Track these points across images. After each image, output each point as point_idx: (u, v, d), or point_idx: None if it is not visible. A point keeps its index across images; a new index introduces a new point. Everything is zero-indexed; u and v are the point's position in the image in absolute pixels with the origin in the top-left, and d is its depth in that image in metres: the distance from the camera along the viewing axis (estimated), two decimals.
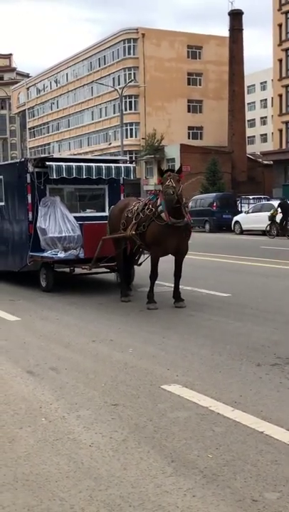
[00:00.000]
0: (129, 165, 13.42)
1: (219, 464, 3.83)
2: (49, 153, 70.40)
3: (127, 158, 17.18)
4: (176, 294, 9.71)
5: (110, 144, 67.00)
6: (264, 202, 35.26)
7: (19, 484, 3.63)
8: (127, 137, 61.45)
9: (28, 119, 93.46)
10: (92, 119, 74.78)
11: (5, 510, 3.32)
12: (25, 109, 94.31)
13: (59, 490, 3.55)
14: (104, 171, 12.24)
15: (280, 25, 52.43)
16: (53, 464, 3.90)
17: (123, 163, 13.43)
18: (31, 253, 11.71)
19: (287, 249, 21.43)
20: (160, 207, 9.43)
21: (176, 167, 45.99)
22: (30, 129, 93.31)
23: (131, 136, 65.61)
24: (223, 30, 62.55)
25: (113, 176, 12.50)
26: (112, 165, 12.67)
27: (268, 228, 28.25)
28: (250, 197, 44.66)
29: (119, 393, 5.30)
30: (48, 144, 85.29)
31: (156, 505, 3.34)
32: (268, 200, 37.96)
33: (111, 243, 10.73)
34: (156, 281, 9.86)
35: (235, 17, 62.10)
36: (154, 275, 9.70)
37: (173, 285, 9.79)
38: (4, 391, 5.48)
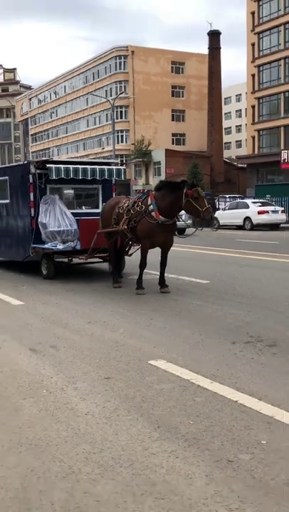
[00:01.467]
0: (120, 167, 13.36)
1: (199, 430, 3.84)
2: (49, 156, 70.05)
3: (118, 161, 17.02)
4: (162, 281, 9.71)
5: (103, 148, 66.71)
6: (239, 200, 35.30)
7: (23, 448, 3.63)
8: (118, 143, 61.23)
9: (31, 126, 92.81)
10: (88, 127, 74.44)
11: (11, 471, 3.32)
12: (27, 118, 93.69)
13: (59, 453, 3.55)
14: (98, 172, 12.19)
15: (253, 45, 52.31)
16: (53, 430, 3.90)
17: (115, 165, 13.37)
18: (33, 245, 11.69)
19: (259, 241, 21.50)
20: (151, 206, 9.43)
21: (163, 170, 46.01)
22: (32, 135, 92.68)
23: (122, 141, 65.37)
24: (203, 48, 62.28)
25: (106, 177, 12.45)
26: (105, 167, 12.59)
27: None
28: (227, 196, 44.75)
29: (112, 368, 5.31)
30: (48, 148, 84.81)
31: (143, 466, 3.35)
32: (242, 198, 38.03)
33: (103, 236, 10.72)
34: (145, 270, 9.85)
35: (214, 37, 61.94)
36: (143, 264, 9.70)
37: (159, 273, 9.80)
38: (10, 366, 5.47)
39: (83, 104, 74.65)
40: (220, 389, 4.61)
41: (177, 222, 9.96)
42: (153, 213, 9.37)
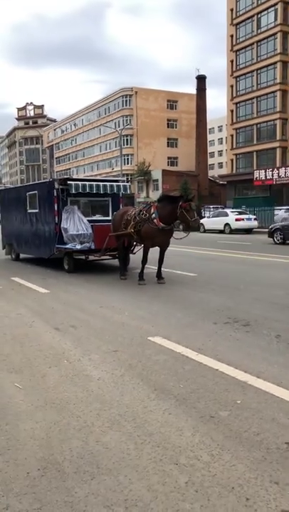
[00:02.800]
0: (126, 184, 13.26)
1: (188, 392, 3.84)
2: (70, 175, 69.83)
3: (125, 178, 16.84)
4: (159, 274, 9.69)
5: (113, 169, 66.46)
6: (220, 210, 35.18)
7: (48, 406, 3.63)
8: (125, 164, 61.01)
9: (55, 151, 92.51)
10: (100, 151, 74.19)
11: (38, 425, 3.32)
12: (53, 144, 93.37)
13: (76, 410, 3.55)
14: (108, 187, 12.19)
15: (232, 86, 52.04)
16: (72, 392, 3.90)
17: (122, 182, 13.27)
18: (57, 245, 11.68)
19: (236, 242, 21.42)
20: (154, 214, 9.45)
21: (160, 186, 45.75)
22: (56, 158, 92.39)
23: (128, 163, 65.14)
24: (192, 89, 61.94)
25: (115, 191, 12.43)
26: (114, 183, 12.57)
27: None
28: (211, 207, 44.63)
29: (118, 343, 5.29)
30: (69, 169, 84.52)
31: (143, 420, 3.34)
32: (223, 208, 37.91)
33: (113, 238, 10.75)
34: (146, 265, 9.83)
35: (201, 80, 61.64)
36: (144, 261, 9.69)
37: (157, 268, 9.77)
38: (38, 341, 5.46)
39: (97, 134, 74.43)
40: (204, 359, 4.60)
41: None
42: (155, 220, 9.38)
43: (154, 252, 9.90)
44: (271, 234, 20.58)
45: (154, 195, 56.10)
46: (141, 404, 3.60)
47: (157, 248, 9.85)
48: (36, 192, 13.03)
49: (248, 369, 4.28)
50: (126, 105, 66.52)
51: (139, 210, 10.10)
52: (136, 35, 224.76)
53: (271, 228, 21.01)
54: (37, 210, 12.95)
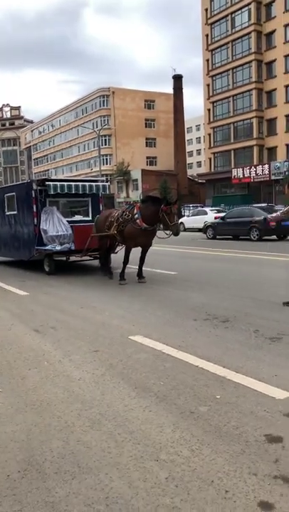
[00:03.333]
0: (105, 183, 13.18)
1: (168, 388, 3.86)
2: (48, 176, 69.35)
3: (104, 178, 16.70)
4: (140, 273, 9.70)
5: (92, 169, 66.24)
6: (199, 208, 35.42)
7: (28, 408, 3.62)
8: (103, 164, 60.86)
9: (33, 152, 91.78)
10: (79, 152, 73.89)
11: (18, 427, 3.30)
12: (30, 146, 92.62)
13: (57, 411, 3.54)
14: (87, 187, 12.08)
15: (208, 85, 52.37)
16: (53, 393, 3.89)
17: (101, 182, 13.17)
18: (37, 247, 11.55)
19: (214, 240, 21.60)
20: (136, 215, 9.43)
21: (140, 186, 45.64)
22: (34, 159, 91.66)
23: (106, 163, 65.01)
24: (169, 89, 62.15)
25: (94, 191, 12.33)
26: (93, 183, 12.46)
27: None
28: (190, 205, 44.84)
29: (99, 343, 5.29)
30: (48, 170, 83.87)
31: (124, 418, 3.36)
32: (202, 207, 38.17)
33: (95, 239, 10.74)
34: (127, 265, 9.82)
35: (177, 79, 61.90)
36: (126, 261, 9.70)
37: (138, 267, 9.79)
38: (18, 344, 5.43)
39: (75, 134, 74.08)
40: (184, 356, 4.64)
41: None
42: (138, 221, 9.35)
43: (135, 251, 9.90)
44: (205, 230, 23.71)
45: (134, 195, 56.24)
46: (122, 403, 3.61)
47: (139, 248, 9.85)
48: (14, 193, 12.86)
49: (227, 364, 4.33)
50: (103, 105, 66.42)
51: (122, 211, 10.09)
52: (112, 35, 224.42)
53: (204, 225, 24.26)
54: (15, 212, 12.80)
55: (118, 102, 65.82)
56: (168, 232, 9.41)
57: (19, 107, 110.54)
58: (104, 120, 64.61)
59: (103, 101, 66.57)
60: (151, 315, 6.61)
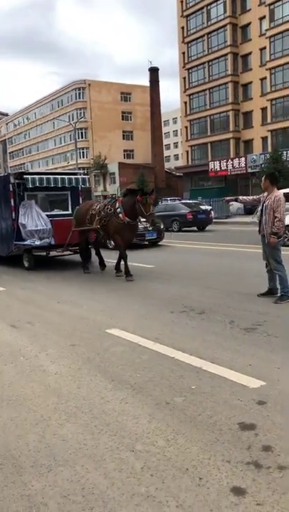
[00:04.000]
0: (85, 176, 12.89)
1: (144, 380, 3.91)
2: (25, 170, 68.45)
3: (83, 172, 16.40)
4: (118, 267, 9.67)
5: (68, 162, 65.66)
6: (177, 202, 35.55)
7: (4, 403, 3.61)
8: (80, 158, 60.43)
9: (8, 146, 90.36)
10: (55, 145, 73.13)
11: None
12: (5, 139, 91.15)
13: (33, 405, 3.55)
14: (66, 181, 11.81)
15: (184, 78, 52.41)
16: (29, 387, 3.89)
17: (80, 175, 12.84)
18: (15, 242, 11.22)
19: (192, 233, 21.74)
20: (118, 209, 9.28)
21: (117, 179, 45.34)
22: (10, 153, 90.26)
23: (83, 157, 64.54)
24: (146, 81, 61.90)
25: (73, 185, 12.07)
26: (72, 177, 12.19)
27: None
28: (168, 198, 44.93)
29: (76, 337, 5.30)
30: (23, 163, 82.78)
31: (100, 411, 3.39)
32: (180, 200, 38.31)
33: (76, 234, 10.57)
34: (106, 259, 9.77)
35: (153, 72, 61.67)
36: (123, 256, 9.39)
37: (116, 261, 9.78)
38: None
39: (50, 127, 73.24)
40: (161, 348, 4.69)
41: None
42: (120, 215, 9.22)
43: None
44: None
45: (112, 189, 56.05)
46: (98, 396, 3.64)
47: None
48: None
49: (203, 355, 4.40)
50: (79, 98, 65.82)
51: (104, 204, 9.91)
52: (88, 27, 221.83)
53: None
54: None
55: (94, 95, 65.31)
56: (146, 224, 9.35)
57: None
58: (80, 113, 64.00)
59: (79, 93, 65.96)
60: (128, 308, 6.65)
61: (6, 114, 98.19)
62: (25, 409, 3.48)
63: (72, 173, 13.18)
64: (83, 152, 65.04)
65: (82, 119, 60.57)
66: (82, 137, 64.53)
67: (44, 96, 74.81)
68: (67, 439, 3.00)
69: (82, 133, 64.68)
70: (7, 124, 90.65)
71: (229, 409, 3.30)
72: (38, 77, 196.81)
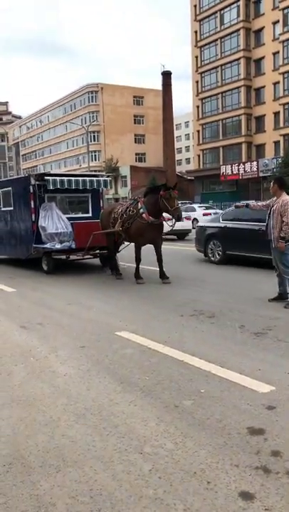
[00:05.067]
0: (106, 178, 12.56)
1: (153, 383, 3.91)
2: (40, 171, 68.89)
3: (104, 173, 15.74)
4: (162, 274, 9.06)
5: (80, 165, 65.98)
6: (188, 205, 35.52)
7: (14, 404, 3.63)
8: (92, 161, 60.65)
9: (21, 148, 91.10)
10: (67, 148, 73.54)
11: (4, 422, 3.32)
12: (18, 141, 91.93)
13: (42, 406, 3.57)
14: (88, 183, 11.51)
15: (197, 82, 52.46)
16: (38, 388, 3.91)
17: (102, 177, 12.54)
18: (35, 245, 10.96)
19: None
20: (141, 209, 9.05)
21: (128, 182, 45.38)
22: (22, 155, 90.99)
23: (95, 160, 64.78)
24: (158, 85, 61.92)
25: (95, 187, 11.79)
26: (94, 178, 11.97)
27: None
28: (179, 202, 44.87)
29: (86, 339, 5.32)
30: (36, 166, 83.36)
31: (109, 412, 3.40)
32: (191, 204, 38.27)
33: (99, 237, 10.25)
34: (120, 262, 9.68)
35: (166, 76, 61.50)
36: (137, 259, 9.17)
37: (158, 268, 9.16)
38: (4, 340, 5.44)
39: (63, 130, 73.74)
40: (170, 351, 4.69)
41: None
42: (144, 215, 8.96)
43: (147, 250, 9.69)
44: None
45: (123, 192, 56.15)
46: (107, 398, 3.65)
47: (150, 247, 9.33)
48: (10, 189, 12.29)
49: (212, 359, 4.39)
50: (92, 101, 66.17)
51: (126, 206, 9.64)
52: (101, 29, 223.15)
53: None
54: (12, 208, 12.21)
55: (107, 98, 65.61)
56: (170, 222, 9.07)
57: (7, 102, 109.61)
58: (92, 116, 64.37)
59: (92, 97, 66.32)
60: (138, 311, 6.66)
61: (19, 117, 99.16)
62: (34, 409, 3.50)
63: (93, 174, 12.75)
64: (95, 155, 65.32)
65: (94, 123, 60.93)
66: (94, 140, 64.85)
67: (57, 99, 75.36)
68: (76, 440, 3.02)
69: (94, 136, 65.00)
70: (20, 126, 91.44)
71: (238, 414, 3.29)
72: (50, 79, 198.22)
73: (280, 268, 6.77)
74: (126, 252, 10.33)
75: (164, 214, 9.12)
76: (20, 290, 8.89)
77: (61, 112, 73.97)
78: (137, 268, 9.21)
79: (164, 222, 9.31)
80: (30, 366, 4.46)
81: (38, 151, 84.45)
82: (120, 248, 10.72)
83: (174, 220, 8.99)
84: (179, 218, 8.75)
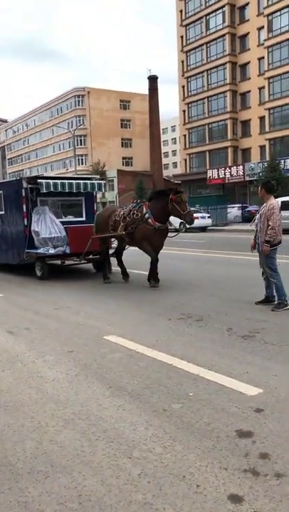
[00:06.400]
0: (101, 181, 12.13)
1: (141, 387, 3.90)
2: (27, 175, 68.51)
3: (98, 176, 15.29)
4: (154, 277, 8.97)
5: (67, 169, 65.81)
6: None
7: (2, 409, 3.60)
8: (79, 165, 60.56)
9: (7, 152, 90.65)
10: (54, 152, 73.40)
11: None
12: (4, 145, 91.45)
13: (30, 411, 3.54)
14: (82, 186, 11.23)
15: (184, 87, 52.80)
16: (26, 394, 3.88)
17: (95, 180, 12.29)
18: (27, 250, 10.69)
19: (191, 240, 21.79)
20: (147, 214, 8.82)
21: (115, 186, 45.26)
22: (8, 159, 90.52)
23: (82, 164, 64.71)
24: (145, 89, 62.11)
25: (89, 190, 11.54)
26: (88, 181, 11.60)
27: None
28: None
29: (74, 343, 5.30)
30: (22, 170, 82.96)
31: (97, 418, 3.38)
32: None
33: (96, 241, 10.03)
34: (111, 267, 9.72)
35: (152, 80, 61.26)
36: (154, 259, 8.89)
37: (148, 271, 9.12)
38: None
39: (50, 134, 73.57)
40: (158, 355, 4.69)
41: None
42: (150, 220, 8.74)
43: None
44: None
45: (110, 196, 56.11)
46: (96, 402, 3.63)
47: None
48: (1, 192, 11.95)
49: (200, 362, 4.40)
50: (78, 105, 66.22)
51: (129, 210, 9.31)
52: (88, 33, 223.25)
53: None
54: (3, 212, 11.90)
55: (93, 102, 65.71)
56: (178, 226, 8.85)
57: None
58: (79, 120, 64.34)
59: (78, 101, 66.34)
60: (126, 315, 6.65)
61: (5, 121, 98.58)
62: (22, 415, 3.47)
63: (87, 177, 12.44)
64: (82, 159, 65.27)
65: (81, 127, 60.94)
66: (81, 144, 64.83)
67: (43, 103, 75.26)
68: (64, 445, 3.00)
69: (81, 140, 64.99)
70: (6, 130, 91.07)
71: (227, 417, 3.30)
72: (37, 83, 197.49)
73: (267, 271, 6.83)
74: (124, 257, 10.14)
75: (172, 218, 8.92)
76: (7, 295, 8.82)
77: (48, 115, 73.85)
78: (155, 270, 8.88)
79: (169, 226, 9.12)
80: (18, 371, 4.43)
81: (24, 154, 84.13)
82: (111, 252, 10.54)
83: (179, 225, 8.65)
84: (191, 221, 8.69)
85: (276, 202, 6.81)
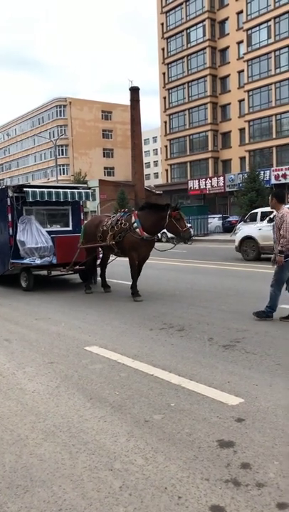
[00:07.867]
0: (88, 190, 11.91)
1: (123, 398, 3.88)
2: (4, 185, 67.91)
3: (86, 185, 14.89)
4: (134, 289, 8.85)
5: (48, 179, 65.60)
6: None
7: None
8: (60, 174, 60.47)
9: None
10: (35, 162, 73.12)
11: None
12: None
13: (10, 424, 3.48)
14: (69, 195, 11.10)
15: (165, 98, 53.32)
16: (6, 406, 3.82)
17: (83, 189, 11.91)
18: (12, 260, 10.49)
19: (172, 250, 21.86)
20: (135, 224, 8.70)
21: (97, 196, 45.02)
22: None
23: (63, 173, 64.60)
24: (126, 100, 62.56)
25: (76, 199, 11.38)
26: (75, 190, 11.45)
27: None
28: None
29: (54, 354, 5.24)
30: (3, 179, 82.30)
31: (78, 430, 3.34)
32: None
33: (83, 251, 9.82)
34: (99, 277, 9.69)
35: (134, 91, 62.20)
36: (135, 274, 8.89)
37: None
38: None
39: (31, 144, 73.36)
40: (140, 366, 4.67)
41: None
42: (137, 230, 8.64)
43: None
44: None
45: (92, 206, 55.99)
46: (76, 414, 3.59)
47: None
48: None
49: (182, 372, 4.40)
50: (60, 115, 66.26)
51: (116, 219, 9.18)
52: (70, 44, 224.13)
53: None
54: None
55: (75, 112, 65.88)
56: (174, 241, 8.91)
57: None
58: (61, 130, 64.37)
59: (60, 111, 66.42)
60: (107, 325, 6.61)
61: None
62: (1, 428, 3.40)
63: (74, 186, 12.32)
64: (63, 169, 65.17)
65: (62, 136, 60.94)
66: (62, 154, 64.79)
67: (25, 113, 75.10)
68: (44, 458, 2.95)
69: (62, 150, 64.96)
70: None
71: (208, 427, 3.30)
72: (18, 93, 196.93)
73: (272, 280, 6.52)
74: (113, 268, 10.11)
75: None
76: None
77: (29, 125, 73.67)
78: (135, 284, 8.83)
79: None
80: None
81: (4, 164, 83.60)
82: (98, 262, 10.40)
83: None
84: (189, 238, 8.66)
85: (286, 210, 6.48)
